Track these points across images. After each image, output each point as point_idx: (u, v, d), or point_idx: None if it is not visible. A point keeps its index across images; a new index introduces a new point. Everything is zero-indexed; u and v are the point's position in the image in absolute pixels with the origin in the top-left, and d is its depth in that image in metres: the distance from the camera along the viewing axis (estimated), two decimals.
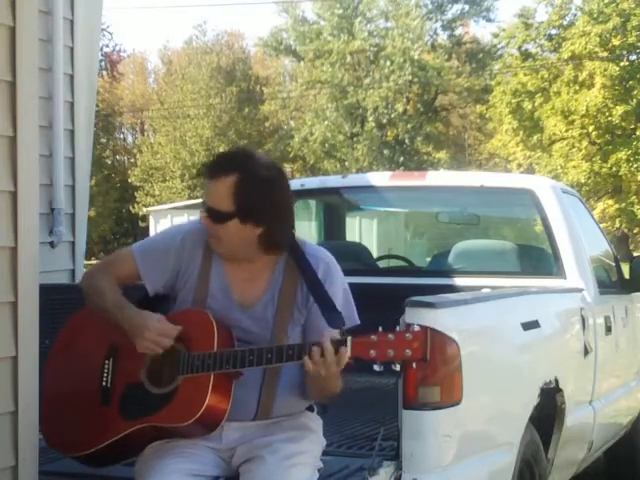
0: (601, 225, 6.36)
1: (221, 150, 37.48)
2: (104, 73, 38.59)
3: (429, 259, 6.70)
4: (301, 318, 2.82)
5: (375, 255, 6.00)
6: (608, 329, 4.97)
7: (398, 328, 2.54)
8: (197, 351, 2.69)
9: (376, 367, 2.51)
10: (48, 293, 3.29)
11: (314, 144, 37.83)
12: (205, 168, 2.80)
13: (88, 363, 2.88)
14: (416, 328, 2.53)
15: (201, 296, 2.83)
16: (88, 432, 2.80)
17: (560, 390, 4.04)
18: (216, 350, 2.67)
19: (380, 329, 2.52)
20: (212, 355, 2.67)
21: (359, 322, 2.76)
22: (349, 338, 2.55)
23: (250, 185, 2.72)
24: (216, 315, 2.75)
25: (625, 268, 5.72)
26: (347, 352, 2.55)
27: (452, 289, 4.59)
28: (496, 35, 36.25)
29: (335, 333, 2.62)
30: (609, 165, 29.49)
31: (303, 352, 2.58)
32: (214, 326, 2.71)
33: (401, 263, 5.95)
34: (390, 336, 2.50)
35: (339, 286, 2.83)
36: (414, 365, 2.57)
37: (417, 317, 2.93)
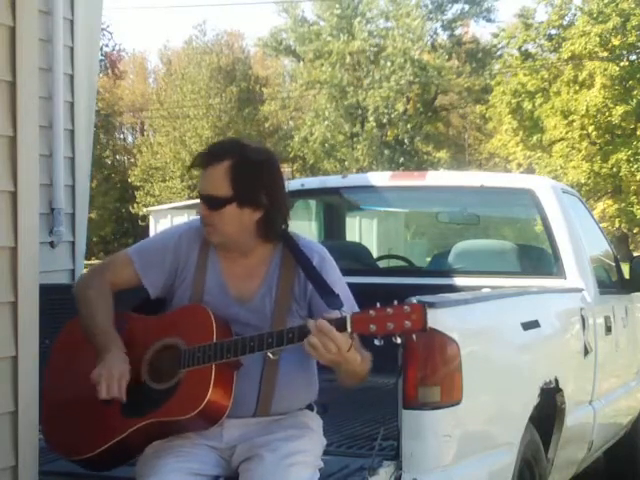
0: (601, 225, 6.35)
1: None
2: (104, 73, 38.56)
3: (429, 259, 6.70)
4: (300, 310, 2.83)
5: (375, 255, 6.01)
6: (608, 329, 4.97)
7: (395, 302, 2.54)
8: (197, 344, 2.70)
9: (377, 342, 2.52)
10: (48, 293, 3.29)
11: (314, 144, 37.85)
12: (198, 158, 2.83)
13: (88, 365, 2.87)
14: (413, 301, 2.55)
15: (198, 293, 2.85)
16: (91, 433, 2.80)
17: (560, 390, 4.04)
18: (216, 341, 2.68)
19: (378, 304, 2.54)
20: (212, 346, 2.67)
21: (358, 310, 2.77)
22: (348, 315, 2.56)
23: (245, 169, 2.75)
24: (213, 309, 2.76)
25: (625, 268, 5.72)
26: (339, 330, 2.55)
27: (452, 289, 4.60)
28: (496, 35, 36.30)
29: (335, 313, 2.63)
30: (609, 165, 29.50)
31: (304, 334, 2.59)
32: (212, 319, 2.72)
33: (401, 263, 5.95)
34: (389, 310, 2.51)
35: (335, 276, 2.86)
36: (414, 337, 2.56)
37: None
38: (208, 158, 2.80)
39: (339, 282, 2.86)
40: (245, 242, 2.83)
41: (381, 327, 2.51)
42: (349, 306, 2.76)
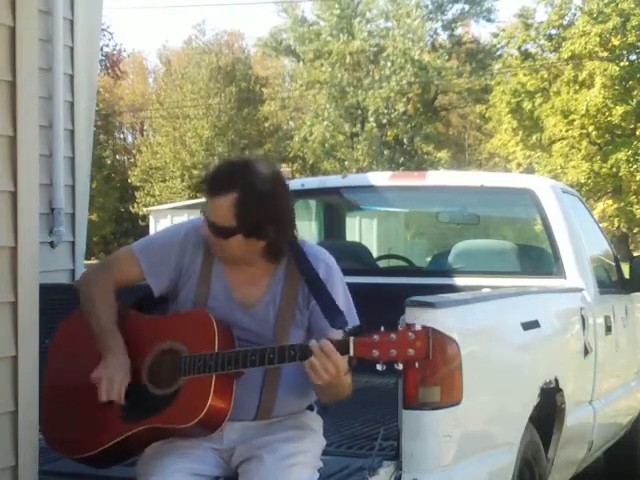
0: (601, 225, 6.35)
1: (220, 150, 37.65)
2: (104, 73, 38.57)
3: (429, 259, 6.70)
4: (303, 320, 2.81)
5: (375, 255, 6.00)
6: (608, 329, 4.97)
7: (400, 327, 2.53)
8: (198, 352, 2.69)
9: (379, 367, 2.51)
10: (48, 293, 3.28)
11: (313, 144, 37.84)
12: (204, 184, 2.78)
13: (87, 366, 2.87)
14: (418, 327, 2.53)
15: (202, 296, 2.83)
16: (89, 434, 2.80)
17: (560, 390, 4.04)
18: (218, 350, 2.67)
19: (382, 329, 2.52)
20: (214, 356, 2.66)
21: (359, 323, 2.76)
22: (351, 339, 2.55)
23: (251, 201, 2.69)
24: (217, 315, 2.75)
25: (625, 268, 5.72)
26: (342, 357, 2.55)
27: (452, 289, 4.59)
28: (496, 35, 36.31)
29: (338, 334, 2.62)
30: (609, 165, 29.51)
31: (305, 353, 2.58)
32: (214, 326, 2.71)
33: (401, 263, 5.95)
34: (392, 336, 2.49)
35: (340, 287, 2.84)
36: (417, 365, 2.56)
37: (417, 317, 2.92)
38: (214, 187, 2.73)
39: (343, 294, 2.84)
40: (250, 261, 2.81)
41: (384, 353, 2.49)
42: (349, 319, 2.74)
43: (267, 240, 2.73)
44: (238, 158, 2.89)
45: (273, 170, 2.79)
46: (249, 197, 2.69)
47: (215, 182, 2.76)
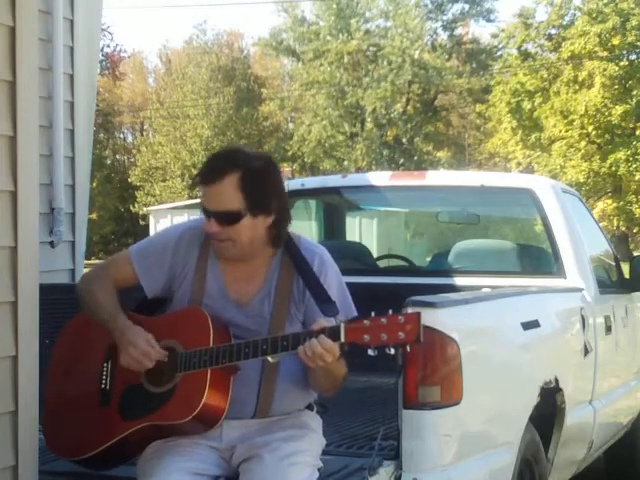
0: (600, 224, 6.35)
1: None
2: (105, 73, 38.56)
3: (429, 259, 6.70)
4: (298, 314, 2.82)
5: (375, 255, 6.00)
6: (608, 329, 4.97)
7: (390, 312, 2.54)
8: (194, 348, 2.70)
9: (370, 351, 2.52)
10: (48, 293, 3.29)
11: (310, 143, 37.83)
12: (200, 176, 2.78)
13: (87, 366, 2.89)
14: (409, 311, 2.53)
15: (198, 296, 2.84)
16: (89, 435, 2.81)
17: (560, 390, 4.04)
18: (212, 346, 2.69)
19: (373, 314, 2.53)
20: (208, 351, 2.68)
21: (356, 314, 2.77)
22: (342, 324, 2.57)
23: (252, 178, 2.73)
24: (212, 313, 2.76)
25: (625, 268, 5.72)
26: (329, 341, 2.57)
27: (452, 289, 4.60)
28: (495, 35, 36.32)
29: (329, 322, 2.63)
30: (608, 165, 29.53)
31: (298, 342, 2.60)
32: (210, 323, 2.73)
33: (401, 263, 5.95)
34: (383, 320, 2.51)
35: (334, 279, 2.85)
36: (408, 348, 2.56)
37: None
38: (212, 174, 2.74)
39: (338, 286, 2.85)
40: (257, 250, 2.82)
41: (375, 337, 2.51)
42: (346, 310, 2.77)
43: (273, 215, 2.76)
44: (227, 147, 2.93)
45: (263, 153, 2.89)
46: (249, 174, 2.73)
47: (213, 169, 2.77)
